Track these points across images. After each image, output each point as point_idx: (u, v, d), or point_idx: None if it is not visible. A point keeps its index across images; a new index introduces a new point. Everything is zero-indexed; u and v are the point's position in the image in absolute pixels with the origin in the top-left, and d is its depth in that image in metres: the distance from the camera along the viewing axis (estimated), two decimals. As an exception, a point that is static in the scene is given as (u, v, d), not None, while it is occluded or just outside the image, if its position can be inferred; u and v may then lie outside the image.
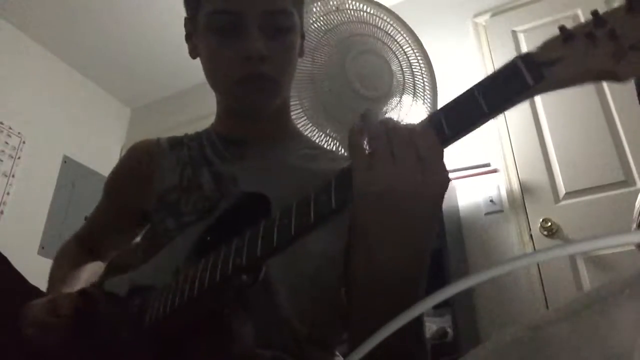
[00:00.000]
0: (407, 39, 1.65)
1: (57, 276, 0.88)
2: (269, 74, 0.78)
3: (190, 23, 0.85)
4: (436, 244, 1.92)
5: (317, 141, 1.46)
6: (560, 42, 0.46)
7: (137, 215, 0.91)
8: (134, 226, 0.94)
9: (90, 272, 0.90)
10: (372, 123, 0.49)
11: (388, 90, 1.56)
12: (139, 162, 0.90)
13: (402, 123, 0.49)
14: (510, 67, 0.47)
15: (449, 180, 0.48)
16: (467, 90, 0.48)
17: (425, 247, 0.51)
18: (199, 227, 0.69)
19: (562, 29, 0.46)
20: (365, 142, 0.49)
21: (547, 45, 0.47)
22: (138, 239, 0.96)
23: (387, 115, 1.57)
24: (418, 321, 0.59)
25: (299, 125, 1.44)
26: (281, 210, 0.53)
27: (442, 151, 0.47)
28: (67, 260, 0.92)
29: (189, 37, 0.87)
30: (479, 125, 0.46)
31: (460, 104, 0.47)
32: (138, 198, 0.88)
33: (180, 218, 0.79)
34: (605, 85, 2.16)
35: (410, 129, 0.48)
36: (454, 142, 0.48)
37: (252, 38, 0.75)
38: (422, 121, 0.50)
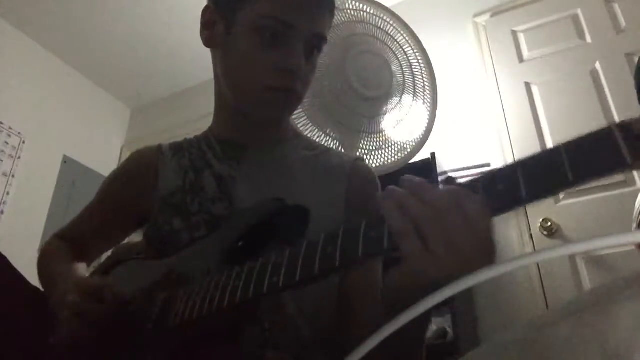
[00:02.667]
0: (407, 39, 1.65)
1: (54, 270, 0.84)
2: (298, 91, 0.80)
3: (223, 13, 0.81)
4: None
5: (317, 141, 1.46)
6: None
7: (133, 220, 0.91)
8: (127, 231, 0.94)
9: (83, 270, 0.87)
10: (412, 206, 0.43)
11: (388, 90, 1.56)
12: (142, 167, 0.91)
13: (444, 195, 0.43)
14: (605, 137, 0.39)
15: (496, 248, 0.45)
16: (552, 150, 0.41)
17: None
18: (229, 232, 0.68)
19: None
20: (409, 223, 0.43)
21: None
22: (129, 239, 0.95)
23: (387, 115, 1.57)
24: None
25: (299, 125, 1.44)
26: (325, 237, 0.50)
27: (492, 222, 0.43)
28: (58, 256, 0.89)
29: (209, 26, 0.84)
30: (557, 193, 0.42)
31: (542, 165, 0.41)
32: (138, 203, 0.88)
33: (189, 218, 0.80)
34: (605, 85, 2.16)
35: (460, 204, 0.43)
36: (526, 205, 0.42)
37: (297, 53, 0.76)
38: (472, 186, 0.44)
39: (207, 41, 0.85)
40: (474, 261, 0.42)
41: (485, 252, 0.43)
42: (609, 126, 0.39)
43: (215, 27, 0.83)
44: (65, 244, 0.93)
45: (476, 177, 0.45)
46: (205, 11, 0.85)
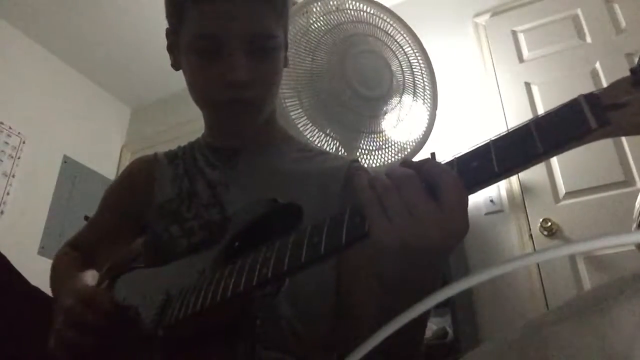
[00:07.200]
0: (407, 38, 1.65)
1: (62, 280, 0.85)
2: (253, 98, 0.78)
3: (172, 36, 0.83)
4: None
5: (316, 141, 1.46)
6: (630, 85, 0.42)
7: (136, 227, 0.92)
8: (132, 238, 0.95)
9: (92, 277, 0.88)
10: (378, 178, 0.46)
11: (388, 90, 1.56)
12: (139, 176, 0.93)
13: (407, 171, 0.45)
14: (572, 107, 0.42)
15: (467, 227, 0.45)
16: (522, 126, 0.44)
17: (435, 281, 0.50)
18: (226, 235, 0.68)
19: (633, 70, 0.42)
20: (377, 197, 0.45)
21: (614, 87, 0.43)
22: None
23: (388, 115, 1.57)
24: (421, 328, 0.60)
25: (298, 126, 1.44)
26: (312, 226, 0.52)
27: (464, 197, 0.44)
28: (69, 265, 0.91)
29: (170, 49, 0.85)
30: (530, 165, 0.43)
31: (513, 140, 0.44)
32: (138, 210, 0.89)
33: (185, 224, 0.81)
34: (605, 85, 2.16)
35: (427, 179, 0.45)
36: (501, 179, 0.43)
37: (236, 63, 0.74)
38: (448, 165, 0.46)
39: (172, 64, 0.86)
40: (432, 232, 0.43)
41: (451, 226, 0.43)
42: (577, 96, 0.42)
43: (174, 50, 0.84)
44: (75, 252, 0.95)
45: (451, 159, 0.48)
46: (166, 34, 0.85)
